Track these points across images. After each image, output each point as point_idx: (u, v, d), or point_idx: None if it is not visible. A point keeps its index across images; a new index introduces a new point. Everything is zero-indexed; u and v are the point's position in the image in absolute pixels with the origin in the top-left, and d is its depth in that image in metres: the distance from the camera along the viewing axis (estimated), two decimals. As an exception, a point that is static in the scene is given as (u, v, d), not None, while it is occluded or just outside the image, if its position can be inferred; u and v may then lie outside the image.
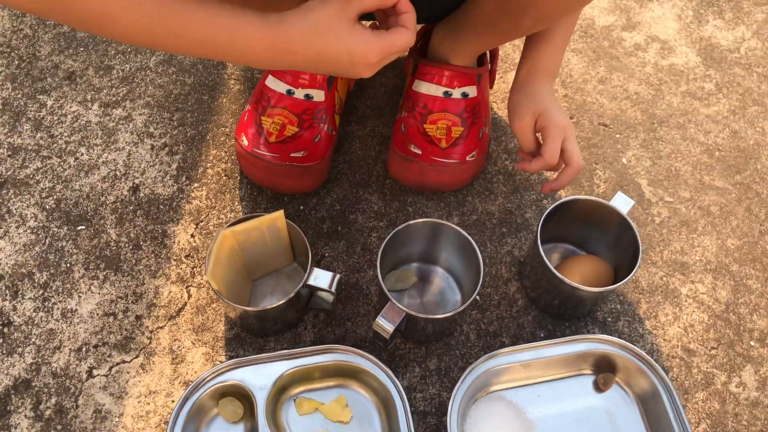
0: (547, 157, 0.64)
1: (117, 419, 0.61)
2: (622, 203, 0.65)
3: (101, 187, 0.74)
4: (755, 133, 0.82)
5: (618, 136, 0.81)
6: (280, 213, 0.62)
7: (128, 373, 0.64)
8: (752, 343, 0.68)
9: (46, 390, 0.63)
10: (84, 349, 0.65)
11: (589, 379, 0.65)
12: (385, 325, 0.59)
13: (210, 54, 0.49)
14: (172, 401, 0.62)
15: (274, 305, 0.60)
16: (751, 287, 0.71)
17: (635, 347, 0.62)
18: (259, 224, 0.62)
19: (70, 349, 0.65)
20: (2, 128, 0.77)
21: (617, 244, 0.67)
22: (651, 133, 0.81)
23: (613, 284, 0.63)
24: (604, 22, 0.90)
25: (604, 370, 0.65)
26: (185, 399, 0.59)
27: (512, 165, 0.78)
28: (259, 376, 0.60)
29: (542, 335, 0.67)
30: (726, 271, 0.72)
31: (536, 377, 0.65)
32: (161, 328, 0.66)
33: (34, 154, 0.76)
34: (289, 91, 0.72)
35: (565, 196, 0.73)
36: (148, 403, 0.62)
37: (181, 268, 0.69)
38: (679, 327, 0.68)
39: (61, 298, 0.67)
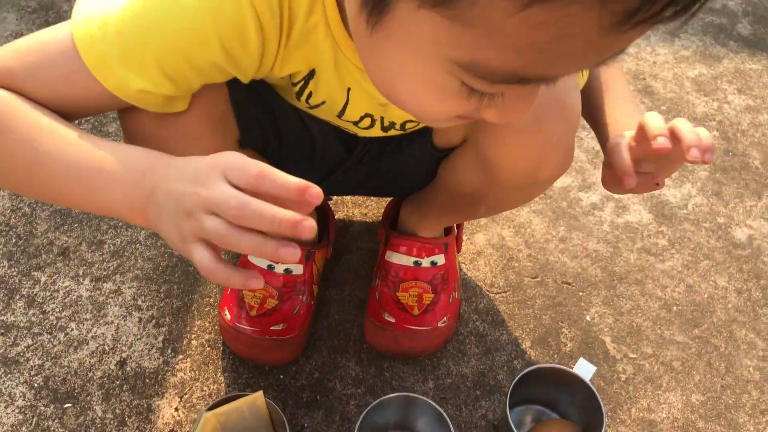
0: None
1: None
2: (584, 370, 0.69)
3: (89, 362, 0.77)
4: (708, 286, 0.87)
5: (581, 293, 0.86)
6: (260, 393, 0.65)
7: None
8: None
9: None
10: None
11: None
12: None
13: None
14: None
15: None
16: (717, 443, 0.74)
17: None
18: (239, 405, 0.65)
19: None
20: (-4, 307, 0.81)
21: (586, 406, 0.70)
22: (611, 290, 0.86)
23: (582, 451, 0.66)
24: (562, 184, 0.97)
25: None
26: None
27: (483, 326, 0.82)
28: None
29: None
30: (693, 428, 0.75)
31: None
32: None
33: (25, 332, 0.79)
34: (269, 266, 0.77)
35: (529, 364, 0.77)
36: None
37: (164, 444, 0.71)
38: (650, 488, 0.70)
39: (44, 481, 0.68)
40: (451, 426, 0.65)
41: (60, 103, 0.47)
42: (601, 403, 0.66)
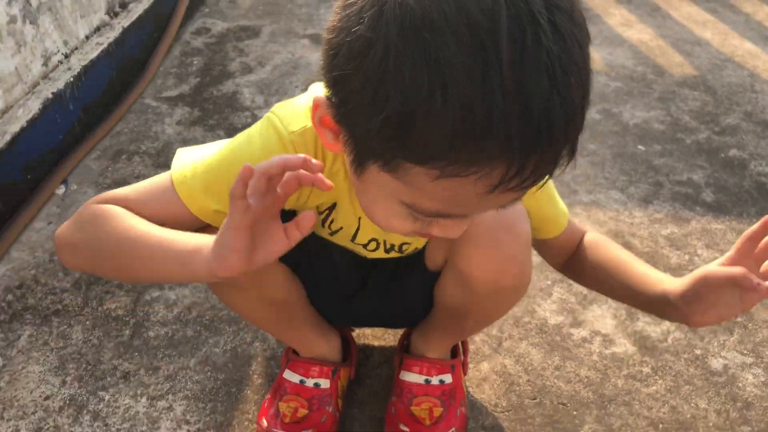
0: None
1: None
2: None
3: (142, 467, 0.88)
4: (690, 408, 0.98)
5: (575, 413, 0.97)
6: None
7: None
8: None
9: None
10: None
11: None
12: None
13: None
14: None
15: None
16: None
17: None
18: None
19: None
20: (67, 419, 0.94)
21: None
22: (602, 410, 0.97)
23: None
24: (555, 321, 1.12)
25: None
26: None
27: (488, 440, 0.92)
28: None
29: None
30: None
31: None
32: None
33: (89, 441, 0.91)
34: (301, 381, 0.91)
35: (532, 464, 0.86)
36: None
37: None
38: None
39: None
40: None
41: (158, 220, 0.66)
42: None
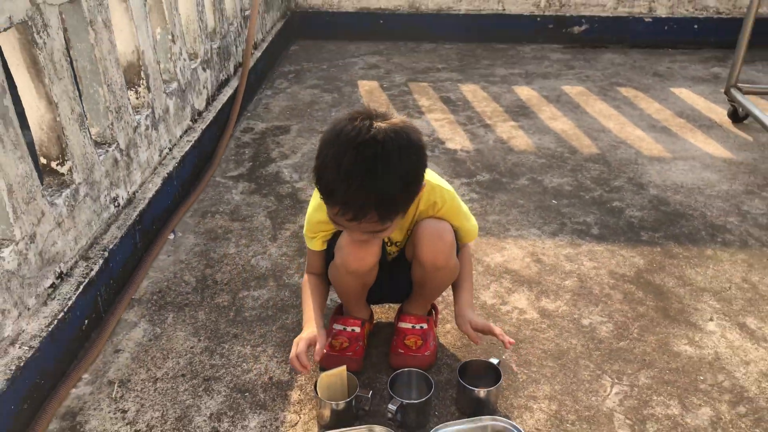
0: (494, 330, 1.48)
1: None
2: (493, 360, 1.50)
3: None
4: (567, 344, 1.69)
5: (501, 347, 1.67)
6: (344, 368, 1.45)
7: None
8: (565, 422, 1.44)
9: (239, 450, 1.37)
10: None
11: (488, 437, 1.40)
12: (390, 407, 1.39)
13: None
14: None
15: (343, 402, 1.40)
16: (565, 402, 1.50)
17: (511, 421, 1.40)
18: (336, 372, 1.45)
19: None
20: (205, 357, 1.63)
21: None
22: (517, 345, 1.68)
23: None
24: (491, 302, 1.83)
25: None
26: None
27: (451, 361, 1.62)
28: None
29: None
30: (552, 396, 1.52)
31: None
32: None
33: None
34: (344, 328, 1.61)
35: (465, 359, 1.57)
36: (286, 453, 1.36)
37: None
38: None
39: None
40: (432, 381, 1.44)
41: (319, 269, 1.49)
42: (499, 369, 1.46)
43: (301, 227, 2.12)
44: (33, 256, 1.50)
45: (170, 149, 2.27)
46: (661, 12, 3.86)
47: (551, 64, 3.64)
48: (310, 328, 1.50)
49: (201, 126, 2.48)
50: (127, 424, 1.46)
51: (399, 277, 1.61)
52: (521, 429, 1.39)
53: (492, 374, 1.49)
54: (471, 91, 3.29)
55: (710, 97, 3.22)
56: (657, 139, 2.80)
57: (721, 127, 2.90)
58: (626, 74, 3.51)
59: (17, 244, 1.45)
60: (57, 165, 1.67)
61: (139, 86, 2.08)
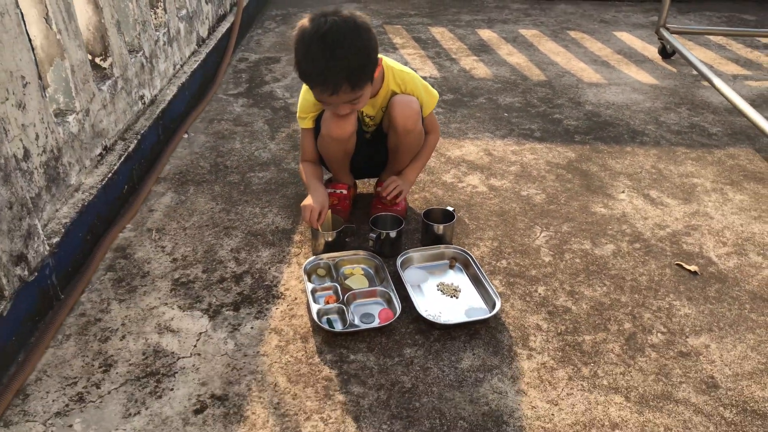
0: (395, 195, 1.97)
1: (282, 270, 1.79)
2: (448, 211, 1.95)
3: (264, 225, 2.01)
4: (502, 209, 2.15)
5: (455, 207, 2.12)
6: (329, 211, 1.90)
7: (284, 262, 1.83)
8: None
9: (256, 267, 1.81)
10: (267, 259, 1.85)
11: (446, 263, 1.86)
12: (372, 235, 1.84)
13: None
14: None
15: (334, 233, 1.84)
16: (504, 240, 1.97)
17: (463, 249, 1.86)
18: (327, 215, 1.89)
19: (262, 259, 1.85)
20: (222, 215, 2.06)
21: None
22: (467, 207, 2.13)
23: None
24: (450, 181, 2.28)
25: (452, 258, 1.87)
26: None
27: (417, 217, 2.07)
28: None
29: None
30: (495, 236, 1.98)
31: (425, 260, 1.86)
32: (293, 253, 1.87)
33: (238, 218, 2.03)
34: (333, 191, 2.05)
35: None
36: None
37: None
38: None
39: None
40: (403, 222, 1.89)
41: (311, 155, 1.94)
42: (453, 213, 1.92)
43: (295, 131, 2.55)
44: (88, 126, 1.91)
45: (182, 66, 2.67)
46: (609, -32, 4.32)
47: (511, 12, 4.08)
48: (319, 191, 1.92)
49: (205, 50, 2.87)
50: (166, 254, 1.89)
51: (376, 154, 2.05)
52: (468, 252, 1.85)
53: (448, 219, 1.95)
54: (439, 32, 3.72)
55: (646, 39, 3.69)
56: (596, 70, 3.26)
57: (652, 62, 3.38)
58: (576, 21, 3.97)
59: (77, 114, 1.85)
60: (100, 60, 2.07)
61: (158, 8, 2.47)
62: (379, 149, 2.04)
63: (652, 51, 3.52)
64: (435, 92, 2.02)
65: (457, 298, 1.76)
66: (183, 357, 1.55)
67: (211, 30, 3.05)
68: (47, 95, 1.75)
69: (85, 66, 1.89)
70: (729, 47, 3.54)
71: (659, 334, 1.66)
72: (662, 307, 1.74)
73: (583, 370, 1.54)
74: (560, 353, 1.59)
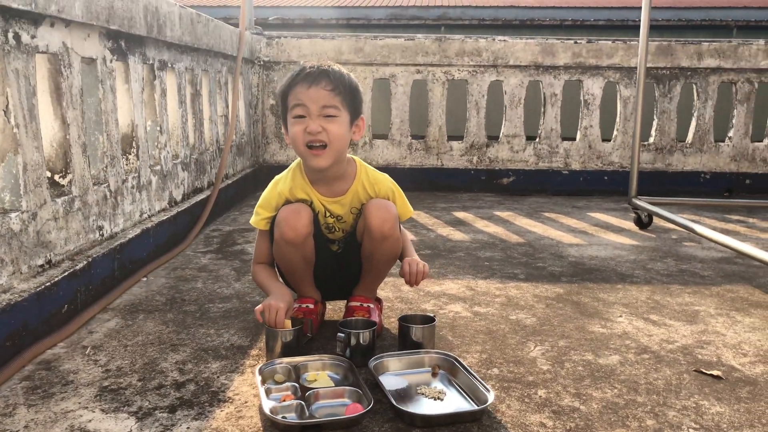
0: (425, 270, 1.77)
1: (233, 374, 1.50)
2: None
3: (218, 341, 1.74)
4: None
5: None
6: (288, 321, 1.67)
7: (236, 368, 1.54)
8: (493, 357, 1.65)
9: (202, 372, 1.52)
10: (216, 366, 1.56)
11: (428, 370, 1.59)
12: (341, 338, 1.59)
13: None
14: (255, 371, 1.52)
15: (291, 330, 1.60)
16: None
17: (449, 353, 1.61)
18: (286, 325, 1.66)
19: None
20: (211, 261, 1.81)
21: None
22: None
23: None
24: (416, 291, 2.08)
25: (435, 364, 1.60)
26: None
27: (391, 336, 1.83)
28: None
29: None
30: (483, 347, 1.73)
31: (404, 367, 1.58)
32: None
33: None
34: (300, 305, 1.83)
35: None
36: (245, 372, 1.52)
37: (254, 353, 1.65)
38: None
39: None
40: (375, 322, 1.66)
41: (267, 252, 1.82)
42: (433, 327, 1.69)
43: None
44: (32, 230, 1.75)
45: (149, 216, 2.59)
46: (575, 166, 4.55)
47: (485, 203, 4.17)
48: (281, 290, 1.73)
49: (177, 210, 2.82)
50: (99, 366, 1.60)
51: (347, 272, 1.88)
52: (456, 356, 1.59)
53: (429, 324, 1.71)
54: (415, 214, 3.75)
55: (621, 218, 3.74)
56: (575, 236, 3.23)
57: (630, 231, 3.37)
58: (549, 207, 4.05)
59: (22, 213, 1.71)
60: (60, 177, 1.99)
61: (130, 154, 2.47)
62: (351, 264, 1.88)
63: (628, 224, 3.53)
64: (410, 207, 1.93)
65: (442, 400, 1.47)
66: (94, 456, 1.21)
67: (186, 197, 3.03)
68: (-9, 184, 1.62)
69: (40, 170, 1.80)
70: (702, 222, 3.58)
71: (691, 430, 1.35)
72: (688, 407, 1.46)
73: (604, 463, 1.22)
74: (573, 448, 1.27)
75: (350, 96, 1.70)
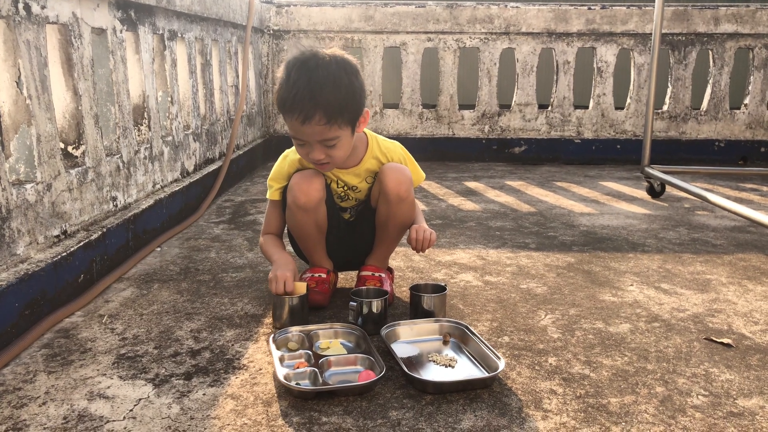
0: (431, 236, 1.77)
1: (247, 342, 1.53)
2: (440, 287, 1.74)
3: (232, 310, 1.77)
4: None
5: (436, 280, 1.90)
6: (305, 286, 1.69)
7: (250, 336, 1.57)
8: (504, 326, 1.66)
9: (217, 340, 1.55)
10: (231, 334, 1.58)
11: (439, 338, 1.61)
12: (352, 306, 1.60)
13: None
14: (269, 339, 1.54)
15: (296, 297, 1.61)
16: (504, 318, 1.72)
17: (460, 321, 1.62)
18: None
19: (225, 334, 1.58)
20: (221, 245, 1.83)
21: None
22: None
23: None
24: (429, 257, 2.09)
25: (446, 333, 1.61)
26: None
27: (404, 304, 1.84)
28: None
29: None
30: (493, 316, 1.74)
31: (415, 335, 1.60)
32: None
33: (203, 306, 1.80)
34: (313, 275, 1.84)
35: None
36: (259, 340, 1.54)
37: (268, 322, 1.67)
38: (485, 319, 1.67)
39: None
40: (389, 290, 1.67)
41: (278, 223, 1.82)
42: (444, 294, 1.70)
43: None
44: (47, 201, 1.77)
45: (162, 187, 2.61)
46: (588, 135, 4.51)
47: (496, 172, 4.16)
48: (284, 258, 1.75)
49: (189, 180, 2.83)
50: (116, 334, 1.63)
51: (359, 240, 1.89)
52: (467, 324, 1.61)
53: (440, 293, 1.73)
54: (426, 184, 3.75)
55: (633, 187, 3.72)
56: (587, 205, 3.22)
57: (642, 200, 3.35)
58: (561, 176, 4.03)
59: (37, 184, 1.73)
60: (73, 149, 2.00)
61: (142, 125, 2.48)
62: (363, 233, 1.89)
63: (641, 193, 3.51)
64: (422, 171, 1.93)
65: (453, 368, 1.48)
66: (113, 420, 1.24)
67: (197, 167, 3.04)
68: (9, 163, 1.64)
69: (54, 141, 1.81)
70: (715, 191, 3.55)
71: (700, 397, 1.36)
72: (698, 374, 1.47)
73: (613, 429, 1.23)
74: (582, 414, 1.29)
75: (349, 112, 1.61)
